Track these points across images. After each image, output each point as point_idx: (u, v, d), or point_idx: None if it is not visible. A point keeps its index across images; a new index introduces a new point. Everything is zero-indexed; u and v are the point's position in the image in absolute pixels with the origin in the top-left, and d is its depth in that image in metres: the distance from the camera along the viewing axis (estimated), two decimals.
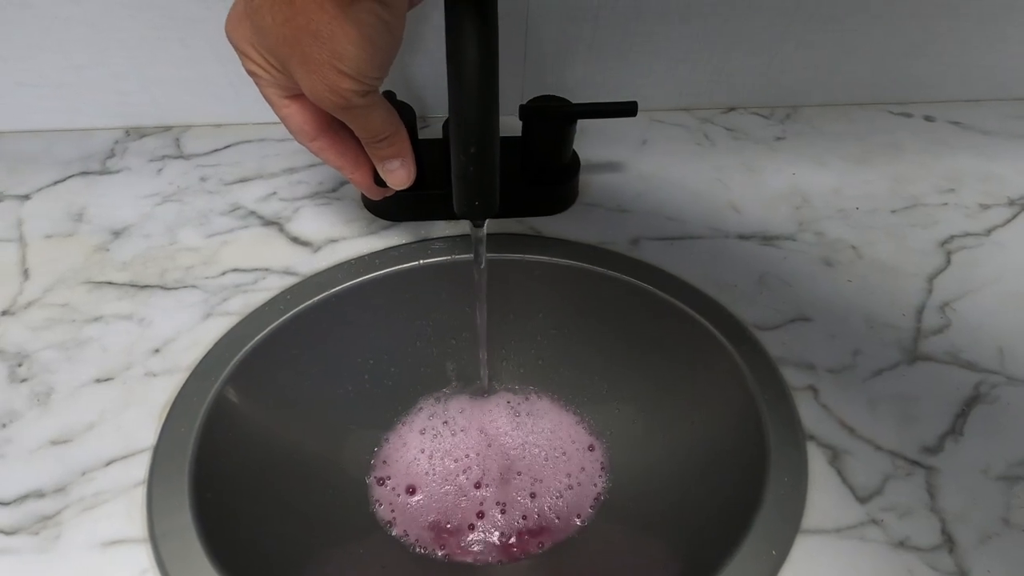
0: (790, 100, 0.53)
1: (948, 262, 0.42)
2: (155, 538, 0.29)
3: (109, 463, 0.32)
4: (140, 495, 0.31)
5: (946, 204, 0.46)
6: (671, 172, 0.48)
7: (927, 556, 0.30)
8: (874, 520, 0.31)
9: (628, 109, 0.40)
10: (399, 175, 0.32)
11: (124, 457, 0.32)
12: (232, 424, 0.34)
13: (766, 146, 0.50)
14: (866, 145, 0.51)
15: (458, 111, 0.25)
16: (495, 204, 0.28)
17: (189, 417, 0.33)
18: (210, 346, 0.36)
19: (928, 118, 0.53)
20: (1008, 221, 0.45)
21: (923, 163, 0.49)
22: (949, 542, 0.30)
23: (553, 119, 0.40)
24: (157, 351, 0.36)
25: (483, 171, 0.26)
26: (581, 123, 0.44)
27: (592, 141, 0.49)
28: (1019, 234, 0.44)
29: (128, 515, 0.30)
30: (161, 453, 0.32)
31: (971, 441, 0.34)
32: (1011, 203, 0.47)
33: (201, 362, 0.35)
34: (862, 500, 0.31)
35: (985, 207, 0.46)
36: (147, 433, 0.33)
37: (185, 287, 0.39)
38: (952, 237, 0.44)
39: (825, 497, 0.31)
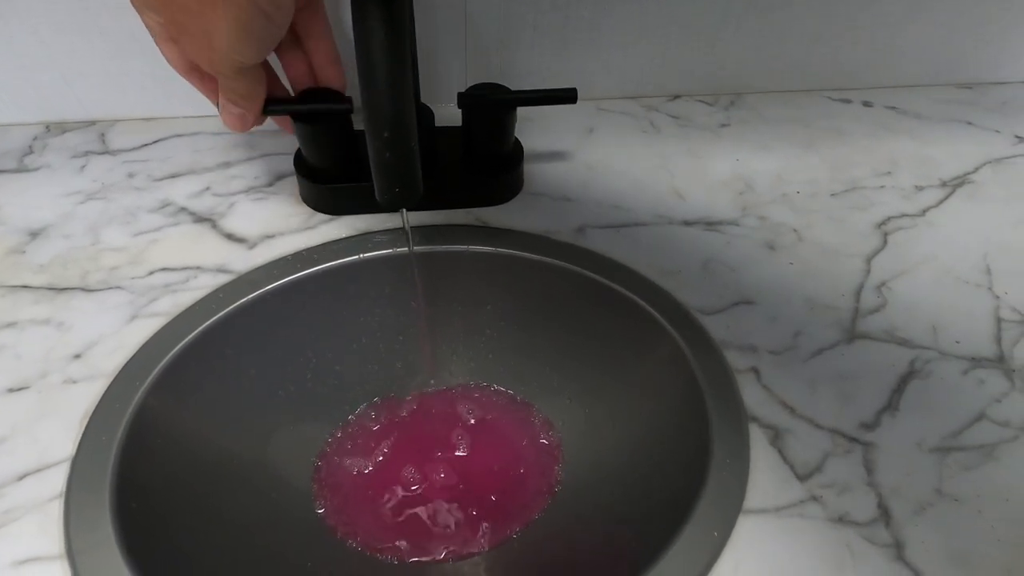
0: (734, 87, 0.54)
1: (885, 243, 0.43)
2: (72, 554, 0.27)
3: (22, 477, 0.30)
4: (56, 509, 0.29)
5: (883, 187, 0.47)
6: (617, 160, 0.47)
7: (864, 530, 0.30)
8: (814, 497, 0.31)
9: (568, 96, 0.39)
10: (232, 119, 0.33)
11: (39, 470, 0.30)
12: (159, 431, 0.32)
13: (711, 133, 0.51)
14: (809, 131, 0.51)
15: (368, 96, 0.24)
16: (417, 191, 0.27)
17: (111, 425, 0.31)
18: (135, 350, 0.34)
19: (866, 103, 0.55)
20: (941, 202, 0.47)
21: (863, 147, 0.50)
22: (885, 515, 0.31)
23: (492, 106, 0.39)
24: (77, 357, 0.34)
25: (400, 157, 0.25)
26: (526, 113, 0.43)
27: (537, 130, 0.48)
28: (951, 214, 0.46)
29: (43, 531, 0.28)
30: (80, 464, 0.30)
31: (906, 416, 0.34)
32: (943, 184, 0.48)
33: (125, 367, 0.33)
34: (802, 478, 0.32)
35: (920, 189, 0.48)
36: (65, 444, 0.31)
37: (109, 288, 0.37)
38: (889, 218, 0.45)
39: (766, 477, 0.32)
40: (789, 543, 0.29)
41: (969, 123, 0.53)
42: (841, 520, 0.30)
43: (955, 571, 0.29)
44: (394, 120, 0.24)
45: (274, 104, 0.35)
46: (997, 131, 0.53)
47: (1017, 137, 0.53)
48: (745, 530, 0.30)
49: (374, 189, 0.28)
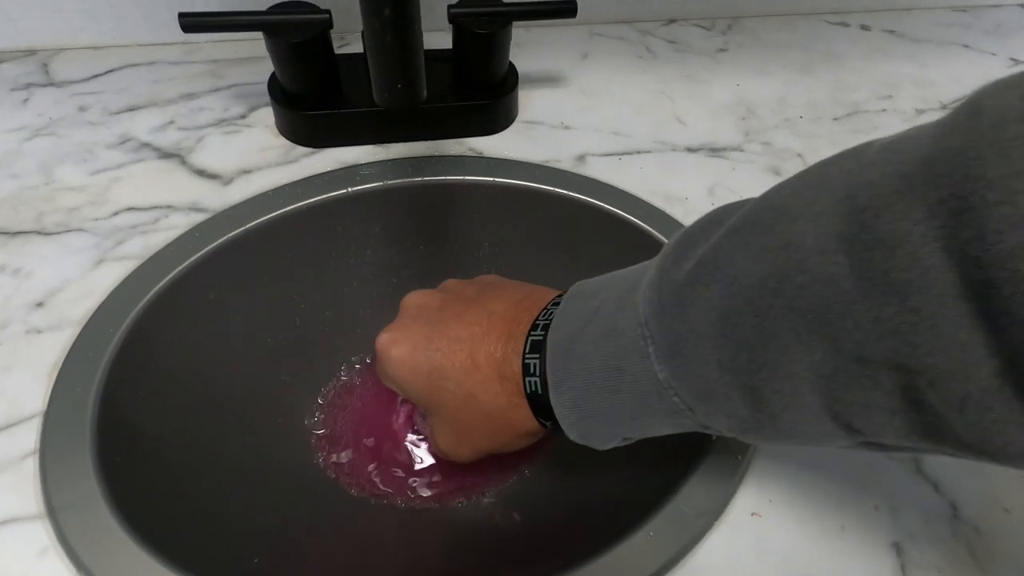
0: (730, 11, 0.51)
1: None
2: (53, 512, 0.25)
3: None
4: (31, 467, 0.26)
5: (884, 110, 0.46)
6: (614, 86, 0.45)
7: None
8: None
9: (567, 9, 0.36)
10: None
11: (7, 426, 0.27)
12: (138, 381, 0.30)
13: (709, 58, 0.48)
14: (807, 55, 0.50)
15: None
16: (421, 87, 0.24)
17: (85, 376, 0.28)
18: (105, 295, 0.31)
19: (864, 27, 0.53)
20: None
21: (862, 71, 0.49)
22: None
23: (486, 21, 0.36)
24: (40, 305, 0.31)
25: (403, 41, 0.22)
26: (519, 37, 0.40)
27: (530, 56, 0.45)
28: None
29: (18, 490, 0.25)
30: (53, 418, 0.27)
31: None
32: (944, 107, 0.47)
33: (95, 313, 0.30)
34: None
35: (921, 112, 0.46)
36: (34, 398, 0.28)
37: (70, 231, 0.33)
38: None
39: None
40: (810, 461, 0.29)
41: (966, 46, 0.52)
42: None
43: (971, 482, 0.29)
44: None
45: (240, 16, 0.31)
46: (993, 54, 0.52)
47: (1013, 60, 0.52)
48: (767, 451, 0.29)
49: (372, 88, 0.25)
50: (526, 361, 0.24)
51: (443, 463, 0.38)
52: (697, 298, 0.19)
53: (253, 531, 0.29)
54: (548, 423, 0.24)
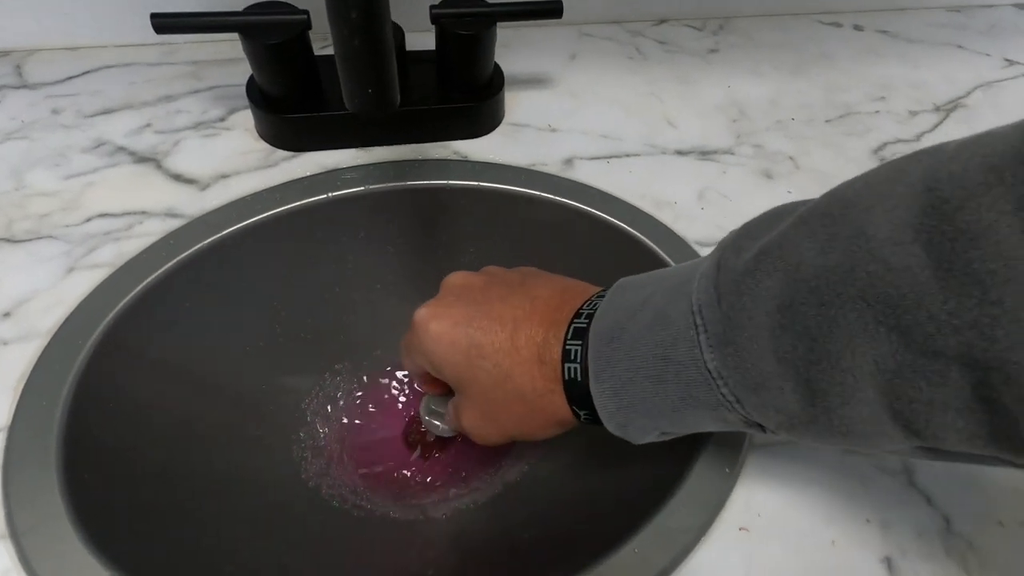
0: (722, 11, 0.51)
1: None
2: (16, 533, 0.24)
3: None
4: None
5: (877, 112, 0.46)
6: (603, 88, 0.44)
7: (875, 458, 0.29)
8: None
9: (552, 9, 0.35)
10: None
11: None
12: (109, 395, 0.29)
13: (700, 58, 0.47)
14: (800, 55, 0.49)
15: None
16: (393, 93, 0.24)
17: (51, 390, 0.27)
18: (75, 304, 0.30)
19: (857, 27, 0.52)
20: (935, 126, 0.45)
21: (854, 72, 0.48)
22: None
23: (469, 22, 0.35)
24: (7, 315, 0.30)
25: (372, 45, 0.21)
26: (503, 38, 0.39)
27: (516, 57, 0.45)
28: (945, 139, 0.44)
29: None
30: (18, 434, 0.26)
31: None
32: (937, 109, 0.46)
33: (64, 324, 0.29)
34: None
35: (914, 113, 0.46)
36: None
37: (40, 238, 0.32)
38: (885, 144, 0.43)
39: None
40: (800, 475, 0.28)
41: (960, 46, 0.52)
42: (851, 451, 0.29)
43: (965, 495, 0.28)
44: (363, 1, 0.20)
45: (214, 17, 0.30)
46: (987, 54, 0.51)
47: (1007, 60, 0.51)
48: (756, 464, 0.28)
49: (343, 94, 0.24)
50: (567, 347, 0.23)
51: (425, 474, 0.38)
52: (757, 286, 0.18)
53: (229, 549, 0.28)
54: (582, 413, 0.24)
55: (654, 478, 0.28)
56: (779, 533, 0.27)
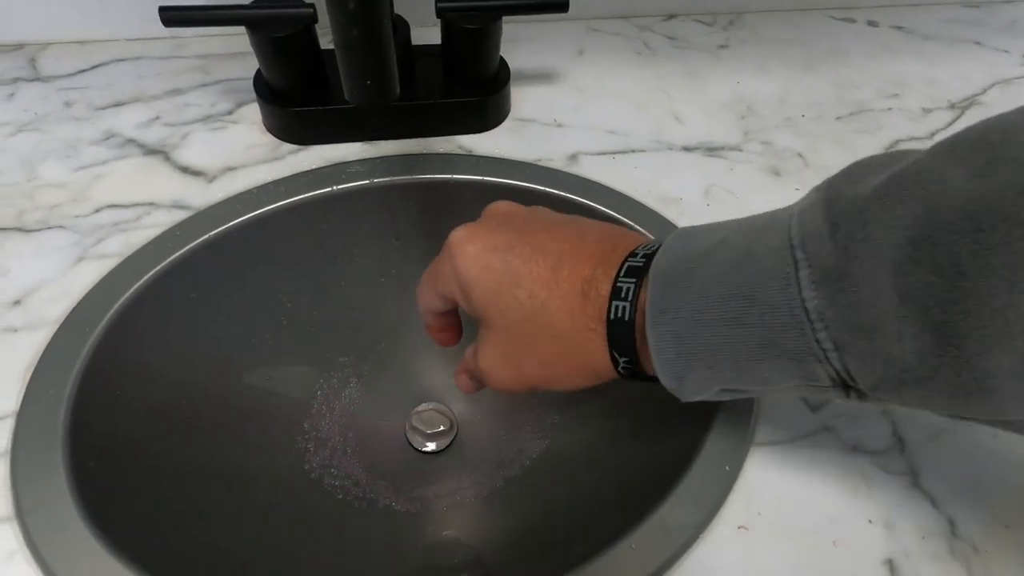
0: (732, 6, 0.50)
1: None
2: (23, 515, 0.24)
3: None
4: (2, 469, 0.26)
5: (890, 109, 0.45)
6: (610, 83, 0.44)
7: (879, 458, 0.29)
8: (827, 427, 0.29)
9: (558, 3, 0.35)
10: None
11: None
12: (114, 384, 0.29)
13: (709, 54, 0.47)
14: (811, 52, 0.48)
15: None
16: (393, 83, 0.24)
17: (58, 377, 0.28)
18: (83, 294, 0.30)
19: (871, 23, 0.51)
20: (949, 124, 0.44)
21: (867, 69, 0.48)
22: (899, 443, 0.29)
23: (475, 17, 0.35)
24: (16, 303, 0.30)
25: (370, 36, 0.21)
26: (510, 32, 0.39)
27: (522, 52, 0.44)
28: None
29: None
30: (25, 420, 0.27)
31: None
32: (952, 106, 0.46)
33: (72, 313, 0.30)
34: (814, 408, 0.30)
35: (928, 111, 0.45)
36: (7, 398, 0.27)
37: (50, 228, 0.33)
38: (897, 142, 0.43)
39: (778, 408, 0.30)
40: (802, 473, 0.28)
41: (977, 43, 0.51)
42: (855, 449, 0.29)
43: (970, 497, 0.28)
44: None
45: (221, 10, 0.31)
46: (1006, 51, 0.50)
47: None
48: (758, 462, 0.28)
49: (343, 85, 0.24)
50: (619, 284, 0.21)
51: (430, 465, 0.38)
52: (887, 213, 0.16)
53: (230, 535, 0.29)
54: (622, 360, 0.21)
55: (654, 474, 0.28)
56: (779, 532, 0.26)
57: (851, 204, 0.17)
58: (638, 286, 0.21)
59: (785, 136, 0.42)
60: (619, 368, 0.22)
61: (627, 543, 0.25)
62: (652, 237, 0.23)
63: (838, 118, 0.44)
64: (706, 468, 0.27)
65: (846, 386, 0.18)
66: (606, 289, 0.21)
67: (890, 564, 0.26)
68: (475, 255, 0.23)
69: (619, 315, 0.21)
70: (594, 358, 0.22)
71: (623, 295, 0.21)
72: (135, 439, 0.29)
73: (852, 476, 0.28)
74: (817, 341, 0.17)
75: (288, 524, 0.31)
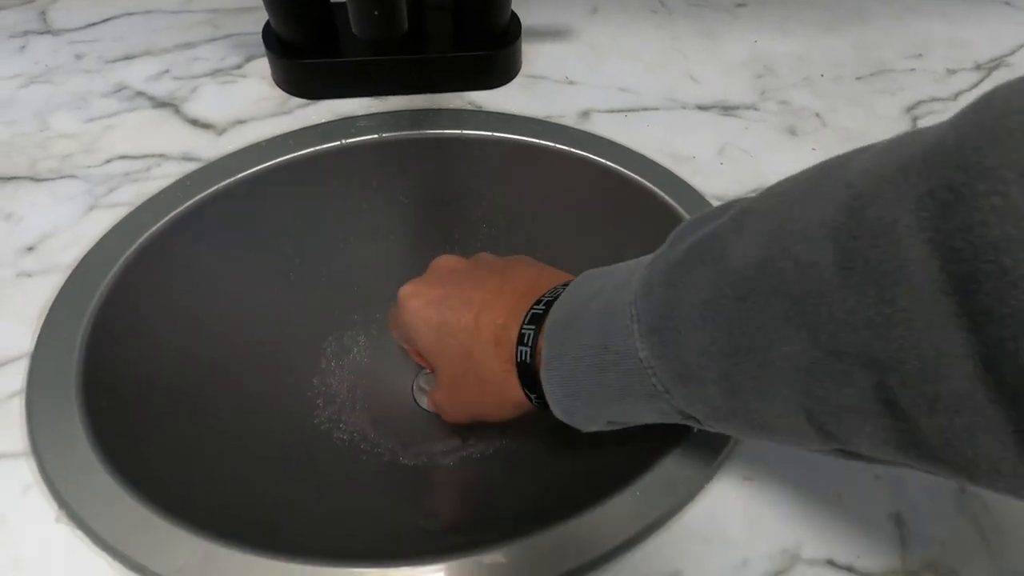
0: None
1: (914, 127, 0.40)
2: (38, 450, 0.25)
3: None
4: (17, 407, 0.26)
5: (913, 70, 0.44)
6: (624, 42, 0.43)
7: None
8: None
9: None
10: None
11: None
12: (126, 328, 0.29)
13: (727, 13, 0.46)
14: (832, 12, 0.47)
15: None
16: (401, 16, 0.23)
17: (72, 320, 0.28)
18: (95, 241, 0.31)
19: None
20: (975, 85, 0.43)
21: (890, 29, 0.46)
22: None
23: None
24: (30, 249, 0.31)
25: None
26: None
27: (537, 9, 0.44)
28: None
29: (3, 428, 0.26)
30: (40, 360, 0.27)
31: None
32: (978, 67, 0.44)
33: (84, 259, 0.30)
34: None
35: (952, 72, 0.44)
36: (22, 340, 0.28)
37: (62, 178, 0.33)
38: (919, 103, 0.41)
39: None
40: None
41: (1006, 3, 0.49)
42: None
43: None
44: None
45: None
46: None
47: None
48: None
49: (351, 20, 0.24)
50: (523, 331, 0.24)
51: (437, 422, 0.38)
52: (686, 277, 0.19)
53: (238, 476, 0.29)
54: (533, 396, 0.25)
55: (660, 429, 0.28)
56: (784, 484, 0.26)
57: (663, 268, 0.20)
58: (537, 332, 0.24)
59: (803, 96, 0.41)
60: (533, 402, 0.25)
61: (632, 491, 0.25)
62: (572, 277, 0.26)
63: (858, 78, 0.43)
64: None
65: (688, 417, 0.21)
66: (515, 334, 0.24)
67: (897, 518, 0.26)
68: (416, 309, 0.27)
69: (523, 359, 0.24)
70: (514, 395, 0.25)
71: (525, 341, 0.24)
72: (147, 381, 0.29)
73: None
74: (654, 384, 0.20)
75: (296, 467, 0.31)
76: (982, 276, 0.12)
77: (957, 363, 0.13)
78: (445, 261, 0.30)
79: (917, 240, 0.13)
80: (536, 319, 0.24)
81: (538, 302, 0.24)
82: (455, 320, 0.26)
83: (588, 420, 0.23)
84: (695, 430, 0.27)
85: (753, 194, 0.20)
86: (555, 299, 0.24)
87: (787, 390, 0.17)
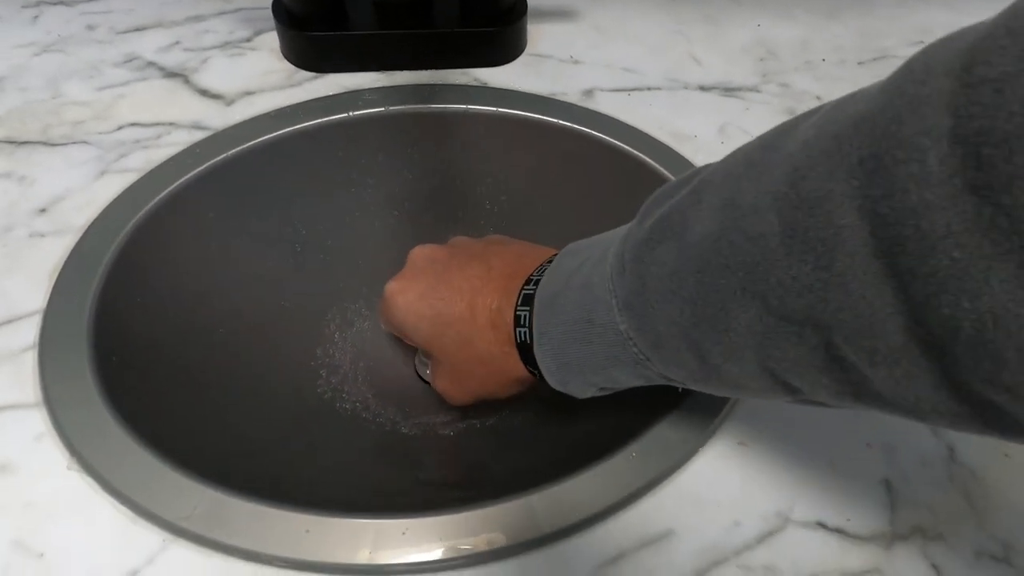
0: None
1: None
2: (50, 402, 0.25)
3: None
4: (30, 360, 0.27)
5: None
6: (628, 24, 0.43)
7: None
8: None
9: None
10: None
11: (8, 322, 0.28)
12: (136, 289, 0.30)
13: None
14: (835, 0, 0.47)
15: None
16: None
17: (84, 279, 0.29)
18: (106, 204, 0.31)
19: None
20: None
21: (893, 17, 0.47)
22: None
23: None
24: (43, 211, 0.31)
25: None
26: None
27: None
28: None
29: (17, 380, 0.26)
30: (52, 317, 0.28)
31: None
32: None
33: (96, 221, 0.31)
34: None
35: None
36: (35, 297, 0.28)
37: (74, 143, 0.34)
38: None
39: None
40: None
41: None
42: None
43: None
44: None
45: None
46: None
47: None
48: None
49: None
50: (517, 313, 0.25)
51: (433, 393, 0.39)
52: (651, 254, 0.20)
53: (246, 435, 0.30)
54: (535, 371, 0.25)
55: (658, 392, 0.29)
56: (778, 449, 0.27)
57: (633, 245, 0.20)
58: (530, 313, 0.24)
59: (804, 79, 0.42)
60: (537, 378, 0.26)
61: (628, 452, 0.26)
62: (555, 251, 0.26)
63: (860, 63, 0.43)
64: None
65: (671, 380, 0.22)
66: (510, 318, 0.25)
67: (887, 484, 0.26)
68: (406, 306, 0.28)
69: (522, 339, 0.25)
70: (517, 373, 0.26)
71: (521, 322, 0.25)
72: (156, 339, 0.30)
73: None
74: (635, 352, 0.21)
75: (299, 430, 0.32)
76: (904, 240, 0.13)
77: (890, 319, 0.14)
78: (421, 251, 0.30)
79: (850, 208, 0.14)
80: (528, 299, 0.25)
81: (527, 282, 0.25)
82: (448, 311, 0.27)
83: (581, 388, 0.24)
84: (688, 395, 0.28)
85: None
86: (543, 277, 0.25)
87: (749, 353, 0.18)
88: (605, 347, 0.22)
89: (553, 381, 0.24)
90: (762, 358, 0.17)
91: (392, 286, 0.29)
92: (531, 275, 0.25)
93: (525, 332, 0.24)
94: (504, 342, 0.25)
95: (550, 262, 0.25)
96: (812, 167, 0.15)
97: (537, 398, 0.36)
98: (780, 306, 0.16)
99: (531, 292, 0.25)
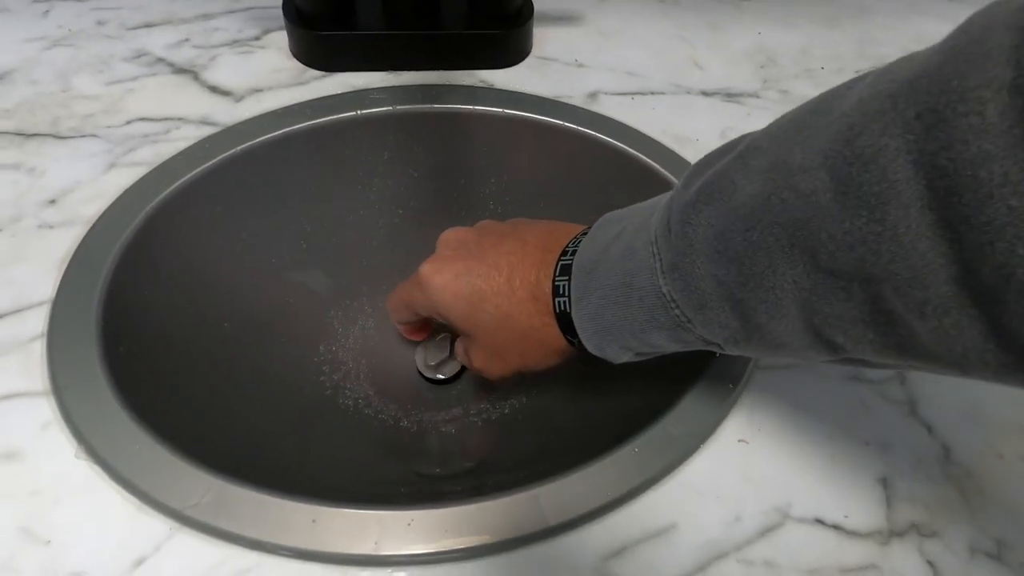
0: None
1: None
2: (58, 391, 0.26)
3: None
4: (38, 349, 0.27)
5: None
6: (632, 29, 0.44)
7: (879, 387, 0.30)
8: None
9: None
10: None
11: (17, 311, 0.28)
12: (145, 281, 0.30)
13: (732, 5, 0.47)
14: (835, 8, 0.48)
15: None
16: None
17: (93, 270, 0.29)
18: (115, 197, 0.32)
19: None
20: None
21: (890, 26, 0.47)
22: (900, 374, 0.30)
23: None
24: (52, 202, 0.31)
25: None
26: None
27: None
28: None
29: (25, 368, 0.26)
30: (60, 306, 0.28)
31: None
32: None
33: (105, 213, 0.31)
34: None
35: None
36: (44, 287, 0.29)
37: (83, 136, 0.34)
38: None
39: None
40: (803, 396, 0.29)
41: None
42: (855, 378, 0.30)
43: (965, 426, 0.29)
44: None
45: None
46: None
47: None
48: (760, 383, 0.29)
49: None
50: (556, 283, 0.25)
51: (439, 393, 0.39)
52: (698, 216, 0.20)
53: (250, 424, 0.30)
54: (575, 340, 0.26)
55: (659, 393, 0.29)
56: (778, 447, 0.27)
57: (678, 209, 0.21)
58: (569, 282, 0.25)
59: (804, 86, 0.42)
60: (575, 346, 0.26)
61: (630, 447, 0.26)
62: (581, 227, 0.27)
63: (857, 71, 0.44)
64: (710, 387, 0.28)
65: (710, 343, 0.22)
66: (548, 289, 0.26)
67: (884, 481, 0.27)
68: (443, 285, 0.28)
69: (562, 309, 0.25)
70: (557, 344, 0.27)
71: (561, 292, 0.25)
72: (163, 330, 0.30)
73: (852, 402, 0.29)
74: (676, 315, 0.22)
75: (302, 425, 0.32)
76: (961, 189, 0.14)
77: (942, 269, 0.15)
78: (453, 234, 0.30)
79: (904, 162, 0.15)
80: (566, 270, 0.25)
81: (564, 253, 0.26)
82: (487, 287, 0.27)
83: (617, 352, 0.25)
84: (688, 394, 0.28)
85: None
86: (579, 248, 0.25)
87: (795, 310, 0.18)
88: (644, 311, 0.22)
89: (591, 346, 0.25)
90: (807, 315, 0.18)
91: (427, 268, 0.29)
92: (566, 247, 0.26)
93: (564, 302, 0.25)
94: (544, 313, 0.26)
95: (584, 234, 0.26)
96: (866, 124, 0.15)
97: (539, 393, 0.37)
98: (830, 261, 0.17)
99: (568, 263, 0.25)
